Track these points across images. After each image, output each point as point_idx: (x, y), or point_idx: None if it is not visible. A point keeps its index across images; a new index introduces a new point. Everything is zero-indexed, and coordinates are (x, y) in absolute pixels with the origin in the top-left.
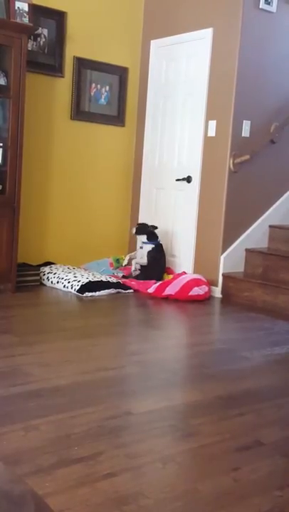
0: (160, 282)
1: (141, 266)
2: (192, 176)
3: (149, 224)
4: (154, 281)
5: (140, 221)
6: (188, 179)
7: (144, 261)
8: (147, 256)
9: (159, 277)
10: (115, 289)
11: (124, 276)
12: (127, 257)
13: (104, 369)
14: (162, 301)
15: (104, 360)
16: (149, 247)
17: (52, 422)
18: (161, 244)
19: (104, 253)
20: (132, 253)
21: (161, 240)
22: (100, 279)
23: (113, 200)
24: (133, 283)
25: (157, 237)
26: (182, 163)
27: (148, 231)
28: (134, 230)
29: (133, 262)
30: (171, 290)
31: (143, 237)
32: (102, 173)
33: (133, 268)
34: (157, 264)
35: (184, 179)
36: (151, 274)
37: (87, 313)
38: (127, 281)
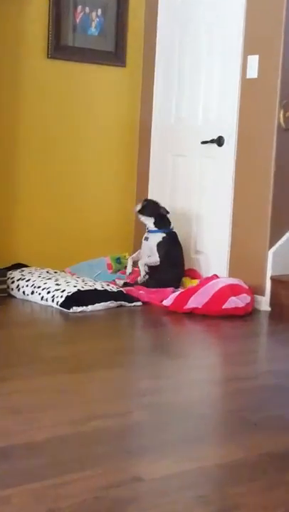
0: (180, 290)
1: (149, 268)
2: (224, 136)
3: (162, 205)
4: (171, 289)
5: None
6: (220, 141)
7: (156, 259)
8: (158, 250)
9: (176, 282)
10: (116, 301)
11: (127, 284)
12: (129, 261)
13: (101, 416)
14: (184, 317)
15: (102, 404)
16: (158, 236)
17: (28, 492)
18: (175, 234)
19: (100, 250)
20: (135, 254)
21: (178, 228)
22: (93, 288)
23: (111, 174)
24: (141, 292)
25: (170, 222)
26: (210, 118)
27: (158, 212)
28: (138, 207)
29: (140, 264)
30: (196, 302)
31: (149, 222)
32: (95, 135)
33: (142, 273)
34: (173, 263)
35: (212, 141)
36: (166, 277)
37: (76, 336)
38: (132, 289)
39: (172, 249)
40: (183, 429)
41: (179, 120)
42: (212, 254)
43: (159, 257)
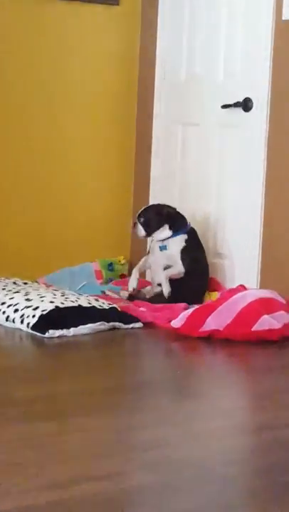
0: (194, 308)
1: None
2: (253, 98)
3: (161, 203)
4: (182, 305)
5: (153, 191)
6: (246, 105)
7: (180, 270)
8: (182, 258)
9: (198, 297)
10: (108, 322)
11: (133, 298)
12: (135, 273)
13: (88, 479)
14: (200, 343)
15: (90, 462)
16: (180, 241)
17: None
18: (194, 230)
19: (85, 253)
20: (141, 262)
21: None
22: (76, 304)
23: (100, 149)
24: (142, 310)
25: (184, 217)
26: (233, 74)
27: (166, 216)
28: (140, 231)
29: (163, 278)
30: (217, 322)
31: (164, 232)
32: (78, 102)
33: (167, 289)
34: (201, 270)
35: (237, 105)
36: (193, 290)
37: (55, 370)
38: (130, 305)
39: (198, 252)
40: (199, 497)
41: (191, 77)
42: (237, 258)
43: (184, 265)
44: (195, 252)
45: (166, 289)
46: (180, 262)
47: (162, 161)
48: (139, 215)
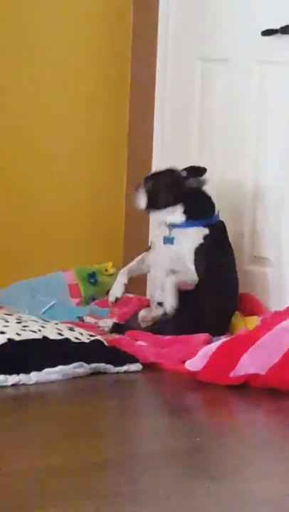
0: (221, 341)
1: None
2: None
3: (180, 168)
4: (203, 336)
5: (158, 159)
6: None
7: (191, 277)
8: (195, 261)
9: (225, 323)
10: (88, 363)
11: (120, 327)
12: (122, 276)
13: None
14: (230, 393)
15: None
16: (196, 235)
17: None
18: (223, 225)
19: (54, 258)
20: (133, 262)
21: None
22: (40, 336)
23: (82, 104)
24: (142, 343)
25: (213, 205)
26: None
27: (184, 190)
28: (140, 200)
29: (169, 286)
30: (255, 363)
31: (175, 214)
32: (47, 50)
33: (171, 303)
34: (224, 285)
35: (284, 31)
36: (209, 313)
37: (6, 441)
38: (122, 338)
39: (223, 255)
40: None
41: None
42: (288, 264)
43: (199, 272)
44: (218, 255)
45: (169, 302)
46: (191, 267)
47: (171, 116)
48: (147, 178)
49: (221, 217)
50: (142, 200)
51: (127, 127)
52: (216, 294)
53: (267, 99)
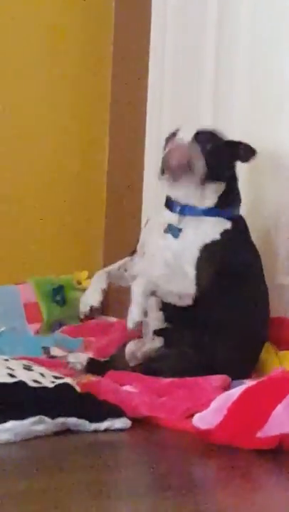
0: (243, 387)
1: (168, 311)
2: None
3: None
4: (217, 379)
5: (154, 128)
6: None
7: (188, 286)
8: (200, 267)
9: (246, 361)
10: (53, 417)
11: (94, 365)
12: (99, 282)
13: None
14: (257, 463)
15: None
16: (214, 228)
17: None
18: (245, 223)
19: (4, 266)
20: (118, 263)
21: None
22: None
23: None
24: (129, 389)
25: (239, 195)
26: None
27: (234, 167)
28: (194, 152)
29: (164, 294)
30: None
31: (210, 192)
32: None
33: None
34: (250, 308)
35: None
36: (219, 344)
37: None
38: (101, 380)
39: (246, 263)
40: None
41: None
42: None
43: (202, 281)
44: (238, 259)
45: (131, 314)
46: (190, 270)
47: (174, 70)
48: (202, 134)
49: (246, 205)
50: (199, 161)
51: (108, 140)
52: (236, 316)
53: None
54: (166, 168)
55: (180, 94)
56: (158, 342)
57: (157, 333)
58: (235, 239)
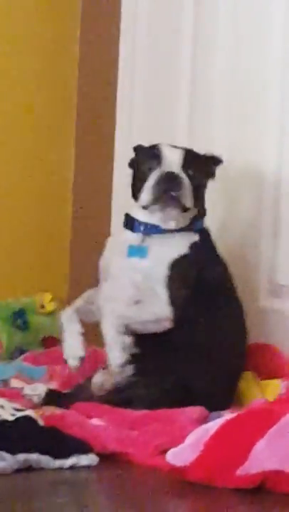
0: (222, 420)
1: (141, 339)
2: None
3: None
4: (194, 412)
5: (124, 128)
6: None
7: (161, 309)
8: (171, 286)
9: (223, 391)
10: (12, 453)
11: (53, 397)
12: (72, 327)
13: None
14: (237, 503)
15: None
16: (181, 242)
17: None
18: (209, 235)
19: None
20: (86, 293)
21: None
22: None
23: None
24: (98, 422)
25: (204, 206)
26: None
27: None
28: (180, 183)
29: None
30: (277, 455)
31: (189, 213)
32: None
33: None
34: (226, 332)
35: None
36: (196, 373)
37: None
38: (65, 413)
39: (221, 281)
40: None
41: None
42: None
43: (175, 303)
44: (211, 275)
45: (111, 354)
46: (162, 291)
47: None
48: (185, 160)
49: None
50: (188, 191)
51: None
52: (210, 340)
53: None
54: (156, 199)
55: (152, 106)
56: (127, 370)
57: (125, 363)
58: (204, 251)
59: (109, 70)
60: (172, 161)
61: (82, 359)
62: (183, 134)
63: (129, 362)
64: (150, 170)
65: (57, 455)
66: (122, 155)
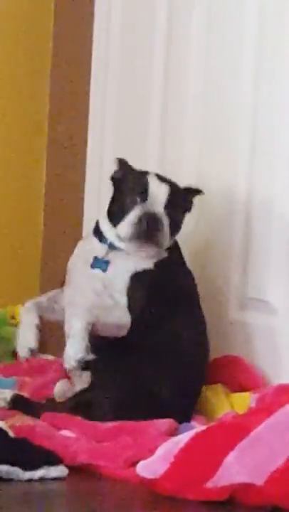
0: (193, 432)
1: (100, 347)
2: None
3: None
4: (164, 423)
5: (95, 142)
6: None
7: (121, 315)
8: (132, 295)
9: (187, 402)
10: None
11: (16, 402)
12: (29, 319)
13: None
14: (205, 510)
15: None
16: (144, 256)
17: None
18: (178, 246)
19: None
20: (44, 297)
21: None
22: None
23: None
24: (67, 434)
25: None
26: None
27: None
28: (158, 223)
29: (77, 328)
30: (247, 467)
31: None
32: None
33: (74, 361)
34: (187, 342)
35: None
36: (153, 382)
37: None
38: (37, 424)
39: (182, 289)
40: None
41: None
42: None
43: (137, 309)
44: (173, 285)
45: (69, 350)
46: (122, 300)
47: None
48: (169, 199)
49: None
50: (167, 231)
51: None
52: (169, 347)
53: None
54: (134, 236)
55: (123, 131)
56: (87, 377)
57: (84, 366)
58: (170, 267)
59: (81, 98)
60: (157, 199)
61: (33, 351)
62: (154, 156)
63: (87, 368)
64: (133, 203)
65: (26, 466)
66: (92, 183)
